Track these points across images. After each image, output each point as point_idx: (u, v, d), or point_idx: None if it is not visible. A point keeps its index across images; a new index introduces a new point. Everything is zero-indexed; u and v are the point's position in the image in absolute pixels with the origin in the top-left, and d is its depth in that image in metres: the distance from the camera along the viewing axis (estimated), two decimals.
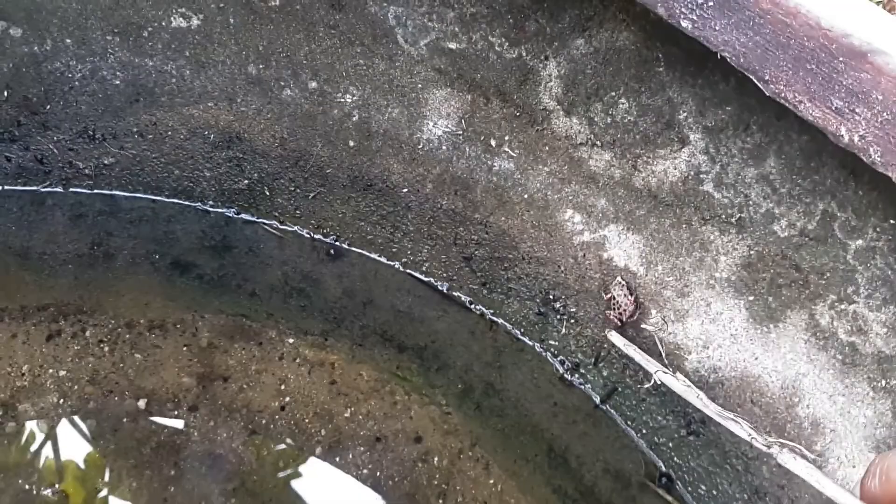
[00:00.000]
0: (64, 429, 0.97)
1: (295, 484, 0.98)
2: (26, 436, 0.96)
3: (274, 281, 1.14)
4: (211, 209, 1.15)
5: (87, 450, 0.95)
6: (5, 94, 0.99)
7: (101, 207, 1.12)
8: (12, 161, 1.06)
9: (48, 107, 1.01)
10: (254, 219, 1.16)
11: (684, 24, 0.79)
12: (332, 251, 1.16)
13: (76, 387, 1.00)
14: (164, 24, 0.96)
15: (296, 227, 1.15)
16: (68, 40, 0.96)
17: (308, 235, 1.16)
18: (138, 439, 0.98)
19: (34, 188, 1.10)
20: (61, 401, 0.99)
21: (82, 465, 0.95)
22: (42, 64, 0.97)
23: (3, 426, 0.95)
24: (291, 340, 1.11)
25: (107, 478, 0.94)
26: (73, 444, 0.96)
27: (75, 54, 0.98)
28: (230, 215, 1.15)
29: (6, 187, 1.09)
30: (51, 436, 0.96)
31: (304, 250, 1.16)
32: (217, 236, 1.14)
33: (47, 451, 0.96)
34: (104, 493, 0.93)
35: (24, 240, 1.08)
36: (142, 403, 1.01)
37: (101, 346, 1.05)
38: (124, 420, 0.99)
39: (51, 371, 1.01)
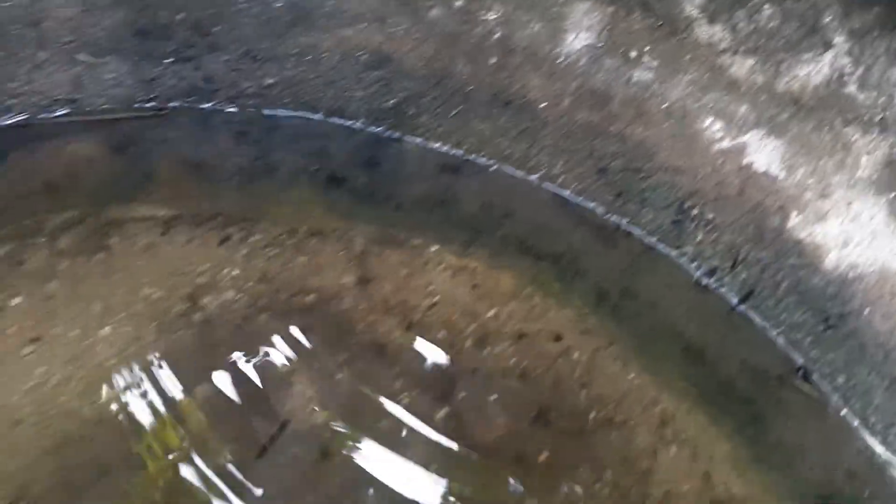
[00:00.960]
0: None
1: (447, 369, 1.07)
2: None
3: (418, 194, 1.22)
4: (361, 127, 1.23)
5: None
6: (181, 15, 1.08)
7: (264, 125, 1.22)
8: (185, 79, 1.16)
9: (216, 29, 1.10)
10: (399, 135, 1.24)
11: None
12: (471, 166, 1.23)
13: (249, 283, 1.11)
14: None
15: (438, 144, 1.23)
16: None
17: (450, 152, 1.23)
18: (308, 330, 1.08)
19: (204, 105, 1.20)
20: (238, 296, 1.09)
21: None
22: None
23: (190, 316, 1.07)
24: (435, 248, 1.19)
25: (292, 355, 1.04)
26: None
27: None
28: (379, 133, 1.24)
29: (179, 104, 1.19)
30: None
31: (445, 165, 1.24)
32: (367, 152, 1.23)
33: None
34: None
35: (195, 153, 1.19)
36: (309, 298, 1.12)
37: (267, 249, 1.15)
38: (295, 314, 1.10)
39: (225, 271, 1.11)
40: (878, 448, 1.01)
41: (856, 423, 1.03)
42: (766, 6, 0.98)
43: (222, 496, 0.89)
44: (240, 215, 1.16)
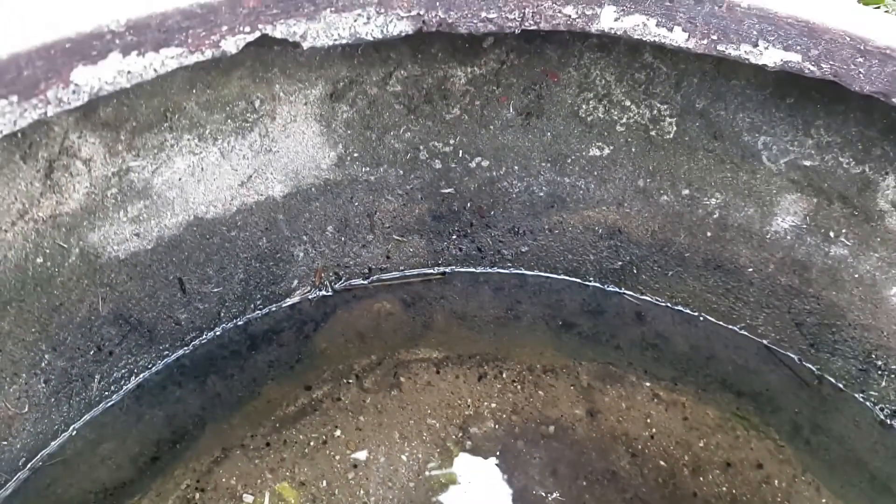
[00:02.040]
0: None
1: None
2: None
3: (634, 337, 1.46)
4: (590, 283, 1.50)
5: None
6: (468, 204, 1.38)
7: (514, 282, 1.50)
8: (462, 250, 1.46)
9: (492, 212, 1.38)
10: (621, 290, 1.49)
11: None
12: (682, 315, 1.47)
13: (504, 415, 1.36)
14: (583, 153, 1.31)
15: (655, 298, 1.48)
16: (516, 167, 1.33)
17: (664, 304, 1.48)
18: (553, 457, 1.32)
19: (471, 269, 1.50)
20: (496, 426, 1.35)
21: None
22: (496, 183, 1.35)
23: (463, 443, 1.32)
24: (648, 384, 1.43)
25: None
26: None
27: (518, 176, 1.35)
28: (605, 288, 1.50)
29: (455, 269, 1.49)
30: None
31: (659, 315, 1.49)
32: (593, 303, 1.49)
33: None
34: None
35: (463, 306, 1.47)
36: (551, 429, 1.36)
37: (514, 384, 1.41)
38: (541, 441, 1.34)
39: (485, 403, 1.38)
40: None
41: None
42: None
43: None
44: (492, 355, 1.42)
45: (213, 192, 1.19)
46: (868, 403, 1.35)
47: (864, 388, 1.35)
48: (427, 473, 1.26)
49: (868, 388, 1.35)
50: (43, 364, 1.03)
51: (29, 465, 1.06)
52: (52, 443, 1.09)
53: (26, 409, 1.00)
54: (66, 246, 1.03)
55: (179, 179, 1.13)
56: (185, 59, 0.87)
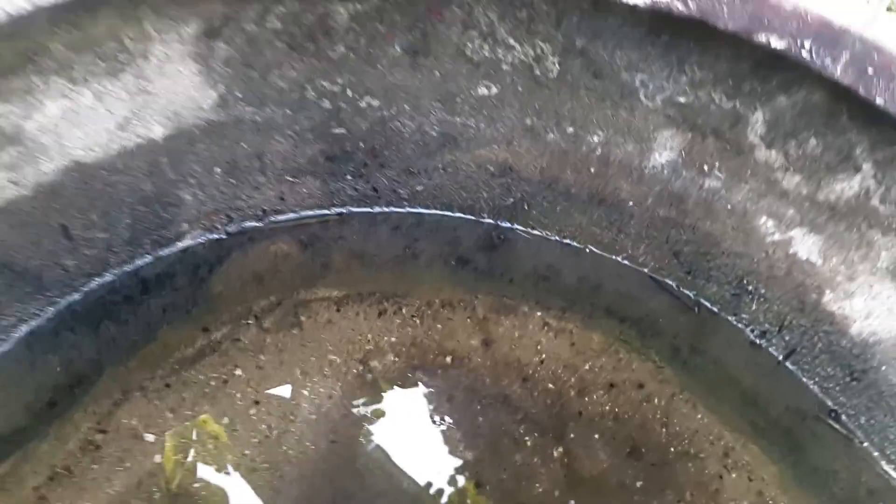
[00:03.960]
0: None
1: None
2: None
3: (526, 271, 1.52)
4: (485, 220, 1.54)
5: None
6: (361, 144, 1.38)
7: (411, 221, 1.53)
8: (358, 191, 1.46)
9: (386, 153, 1.39)
10: (514, 226, 1.54)
11: (878, 100, 1.11)
12: (570, 248, 1.53)
13: (403, 349, 1.41)
14: (472, 93, 1.33)
15: (545, 232, 1.53)
16: (407, 106, 1.34)
17: (553, 238, 1.54)
18: (450, 385, 1.39)
19: (369, 209, 1.51)
20: (396, 359, 1.40)
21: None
22: (388, 123, 1.36)
23: (364, 377, 1.37)
24: (539, 313, 1.50)
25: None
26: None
27: (409, 115, 1.36)
28: (498, 224, 1.54)
29: (352, 210, 1.50)
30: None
31: (548, 249, 1.55)
32: (487, 240, 1.53)
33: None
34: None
35: (361, 246, 1.49)
36: (448, 359, 1.42)
37: (414, 319, 1.45)
38: (438, 371, 1.40)
39: (385, 338, 1.42)
40: (893, 473, 1.33)
41: (875, 453, 1.34)
42: (812, 139, 1.27)
43: None
44: (391, 292, 1.46)
45: (90, 137, 1.16)
46: (740, 325, 1.46)
47: (736, 312, 1.46)
48: (328, 407, 1.31)
49: (740, 312, 1.45)
50: None
51: None
52: None
53: None
54: None
55: (54, 124, 1.10)
56: (41, 1, 0.84)
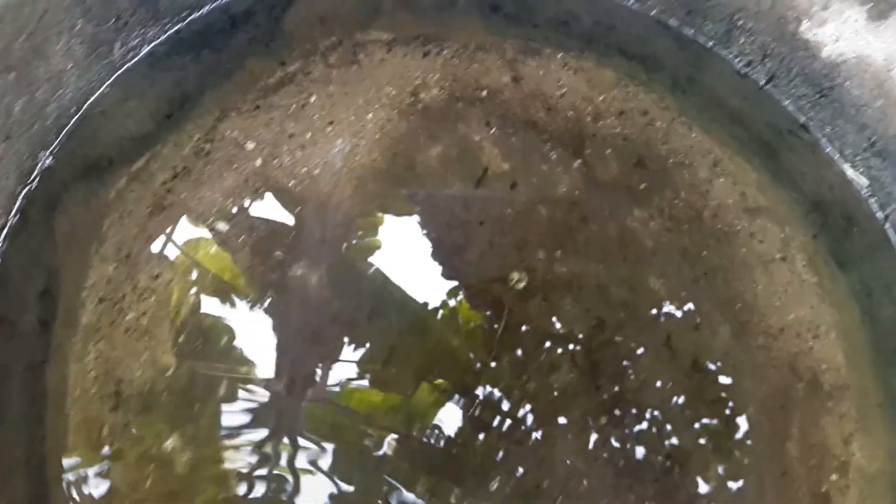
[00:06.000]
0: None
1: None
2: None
3: (549, 16, 1.74)
4: None
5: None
6: None
7: None
8: None
9: None
10: None
11: None
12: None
13: (446, 83, 1.66)
14: None
15: None
16: None
17: None
18: (487, 113, 1.65)
19: None
20: (440, 91, 1.65)
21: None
22: None
23: (416, 105, 1.63)
24: (560, 55, 1.73)
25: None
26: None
27: None
28: None
29: None
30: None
31: None
32: None
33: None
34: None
35: None
36: (484, 93, 1.68)
37: (453, 59, 1.69)
38: (477, 102, 1.66)
39: (430, 75, 1.66)
40: (849, 170, 1.62)
41: (836, 156, 1.63)
42: None
43: None
44: (434, 36, 1.69)
45: None
46: (730, 58, 1.71)
47: (727, 45, 1.70)
48: (388, 127, 1.58)
49: (731, 45, 1.70)
50: (77, 28, 1.25)
51: (79, 114, 1.33)
52: (91, 98, 1.35)
53: (70, 66, 1.24)
54: None
55: None
56: None
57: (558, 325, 1.49)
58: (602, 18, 1.76)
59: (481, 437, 1.42)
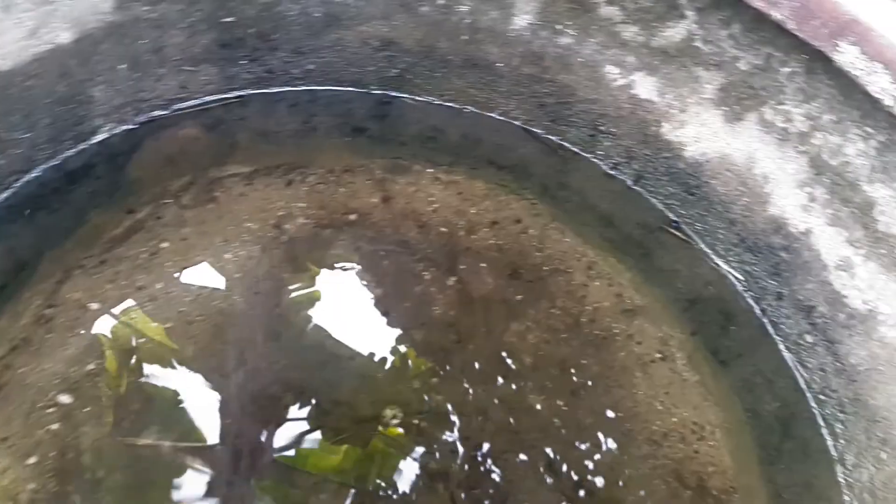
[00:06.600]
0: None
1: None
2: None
3: (415, 133, 1.72)
4: (374, 91, 1.72)
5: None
6: (251, 29, 1.50)
7: (307, 98, 1.70)
8: (253, 73, 1.61)
9: (275, 36, 1.53)
10: (400, 94, 1.72)
11: None
12: (452, 110, 1.73)
13: (312, 212, 1.60)
14: None
15: (428, 97, 1.72)
16: None
17: (436, 102, 1.73)
18: (356, 238, 1.60)
19: (266, 90, 1.66)
20: (306, 221, 1.59)
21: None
22: (273, 8, 1.49)
23: (279, 238, 1.56)
24: (431, 170, 1.70)
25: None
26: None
27: None
28: (386, 93, 1.72)
29: (250, 92, 1.64)
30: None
31: (432, 112, 1.74)
32: (378, 108, 1.72)
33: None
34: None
35: (263, 124, 1.65)
36: (353, 217, 1.62)
37: (319, 185, 1.64)
38: (345, 227, 1.60)
39: (295, 204, 1.60)
40: (723, 265, 1.63)
41: (709, 251, 1.64)
42: None
43: None
44: (297, 163, 1.64)
45: (4, 47, 1.27)
46: (596, 161, 1.72)
47: (593, 149, 1.70)
48: (249, 266, 1.51)
49: (596, 149, 1.70)
50: None
51: None
52: None
53: None
54: None
55: None
56: None
57: (437, 457, 1.42)
58: (468, 131, 1.75)
59: None
